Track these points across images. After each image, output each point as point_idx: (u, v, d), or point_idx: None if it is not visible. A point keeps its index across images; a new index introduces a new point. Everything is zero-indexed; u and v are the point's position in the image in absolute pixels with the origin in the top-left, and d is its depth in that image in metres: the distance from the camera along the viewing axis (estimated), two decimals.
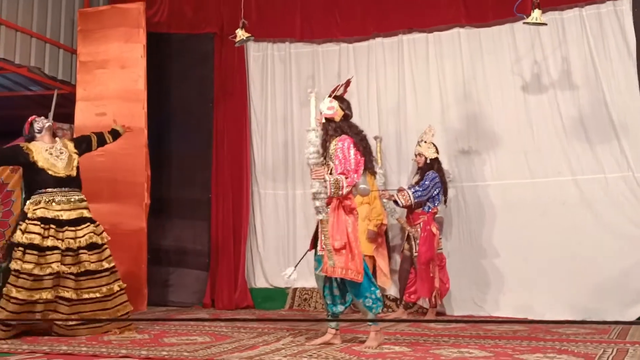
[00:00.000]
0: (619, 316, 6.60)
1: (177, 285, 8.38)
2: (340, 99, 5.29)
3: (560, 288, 6.95)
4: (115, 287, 5.89)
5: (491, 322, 6.45)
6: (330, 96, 5.28)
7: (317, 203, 5.01)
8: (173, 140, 8.52)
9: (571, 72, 7.26)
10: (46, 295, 5.56)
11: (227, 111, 8.40)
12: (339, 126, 5.20)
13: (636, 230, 6.81)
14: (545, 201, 7.23)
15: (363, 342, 5.20)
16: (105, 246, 5.93)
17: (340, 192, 4.98)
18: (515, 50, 7.52)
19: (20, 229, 5.67)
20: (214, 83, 8.49)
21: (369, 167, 5.29)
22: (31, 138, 5.99)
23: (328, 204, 5.07)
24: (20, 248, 5.59)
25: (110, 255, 5.94)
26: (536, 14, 6.39)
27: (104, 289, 5.80)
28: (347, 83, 5.46)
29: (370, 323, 5.14)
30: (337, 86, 5.40)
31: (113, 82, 7.88)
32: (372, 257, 7.38)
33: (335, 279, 5.13)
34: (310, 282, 8.01)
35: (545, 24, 6.63)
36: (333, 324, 5.23)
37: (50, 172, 5.80)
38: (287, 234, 8.26)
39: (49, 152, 5.88)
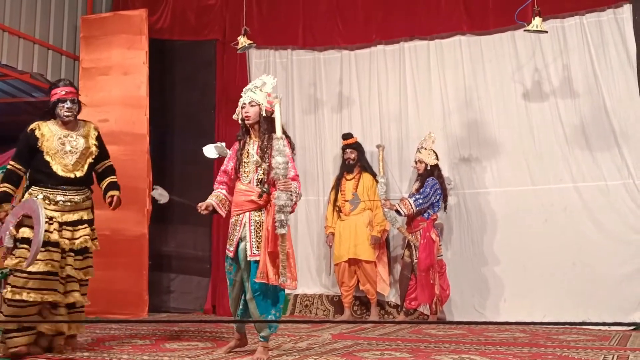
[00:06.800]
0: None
1: (179, 292, 8.39)
2: None
3: (561, 295, 6.97)
4: (83, 301, 5.20)
5: (491, 324, 6.46)
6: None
7: (282, 217, 4.59)
8: (175, 147, 8.53)
9: (572, 80, 7.28)
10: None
11: (229, 117, 8.34)
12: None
13: (637, 237, 6.83)
14: (546, 208, 7.25)
15: (364, 349, 5.22)
16: (91, 255, 5.26)
17: (297, 200, 4.79)
18: (516, 57, 7.54)
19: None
20: (216, 89, 8.51)
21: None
22: (51, 115, 5.24)
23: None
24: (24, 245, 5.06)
25: (90, 266, 5.25)
26: (537, 22, 6.44)
27: (71, 298, 5.09)
28: None
29: (262, 338, 4.86)
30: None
31: (115, 88, 7.90)
32: (374, 263, 7.41)
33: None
34: (312, 289, 8.08)
35: (546, 32, 6.68)
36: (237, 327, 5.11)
37: (54, 168, 5.08)
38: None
39: (62, 142, 5.16)
